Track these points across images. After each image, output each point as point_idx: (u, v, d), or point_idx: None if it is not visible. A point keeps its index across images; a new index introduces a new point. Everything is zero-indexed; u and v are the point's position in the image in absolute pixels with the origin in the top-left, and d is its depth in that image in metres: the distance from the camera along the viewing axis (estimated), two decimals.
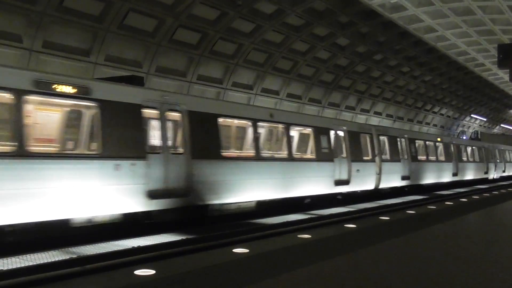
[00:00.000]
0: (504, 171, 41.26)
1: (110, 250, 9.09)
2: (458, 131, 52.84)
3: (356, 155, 19.19)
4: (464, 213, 13.99)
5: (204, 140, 12.77)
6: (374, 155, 20.64)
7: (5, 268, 7.70)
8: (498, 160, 39.66)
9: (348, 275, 6.33)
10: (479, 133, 45.34)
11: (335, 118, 24.31)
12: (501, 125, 65.25)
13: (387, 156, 21.96)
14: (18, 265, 7.94)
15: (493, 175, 37.88)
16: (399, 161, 22.69)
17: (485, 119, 58.35)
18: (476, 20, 26.86)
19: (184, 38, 20.84)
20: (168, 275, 6.15)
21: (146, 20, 18.97)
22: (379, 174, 20.63)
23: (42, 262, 8.18)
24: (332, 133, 18.28)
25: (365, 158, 20.01)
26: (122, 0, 17.38)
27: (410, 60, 33.55)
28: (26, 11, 15.74)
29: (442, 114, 49.01)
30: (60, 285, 6.09)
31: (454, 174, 29.60)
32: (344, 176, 18.31)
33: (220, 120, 13.55)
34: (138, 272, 6.08)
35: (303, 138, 18.48)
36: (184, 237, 10.59)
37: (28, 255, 8.67)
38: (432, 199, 21.26)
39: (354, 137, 19.41)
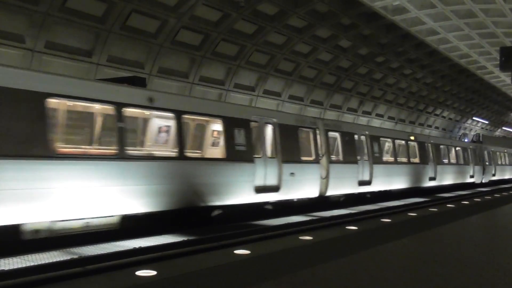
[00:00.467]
0: (494, 175, 37.41)
1: (111, 251, 9.09)
2: (460, 134, 52.79)
3: (290, 155, 15.57)
4: (466, 215, 13.97)
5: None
6: (319, 155, 17.02)
7: (7, 268, 7.70)
8: (487, 163, 35.56)
9: (350, 277, 6.32)
10: (480, 135, 45.03)
11: (262, 108, 19.60)
12: (503, 127, 65.18)
13: (339, 157, 18.39)
14: (20, 266, 7.94)
15: (480, 179, 34.00)
16: (356, 162, 18.94)
17: (487, 122, 58.29)
18: (478, 22, 26.84)
19: (186, 39, 20.87)
20: (169, 276, 6.15)
21: (148, 21, 18.99)
22: (326, 178, 17.14)
23: (43, 262, 8.17)
24: (254, 126, 14.74)
25: (304, 158, 16.44)
26: (125, 1, 17.40)
27: (412, 62, 33.55)
28: (28, 11, 15.77)
29: (444, 117, 48.98)
30: (62, 286, 6.09)
31: (432, 178, 25.91)
32: (271, 181, 14.73)
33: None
34: (139, 273, 6.08)
35: (208, 131, 14.82)
36: (185, 238, 10.59)
37: (29, 256, 8.67)
38: (433, 201, 21.22)
39: (288, 132, 15.79)
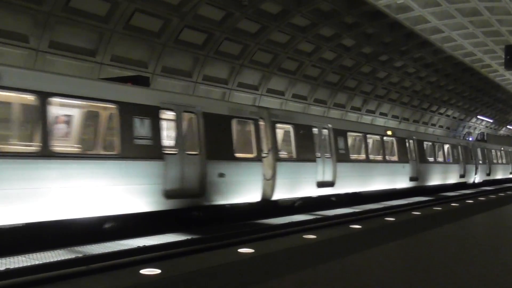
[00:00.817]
0: (489, 174, 34.54)
1: (115, 250, 9.11)
2: (464, 133, 52.65)
3: (219, 151, 12.89)
4: (470, 214, 13.93)
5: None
6: (261, 152, 14.27)
7: (12, 266, 7.73)
8: (480, 161, 32.69)
9: (354, 276, 6.31)
10: (485, 134, 44.83)
11: (179, 93, 16.66)
12: (508, 126, 64.97)
13: (292, 154, 15.90)
14: (25, 264, 7.97)
15: (473, 179, 31.17)
16: (313, 161, 16.33)
17: (491, 121, 58.12)
18: (483, 21, 26.77)
19: (189, 38, 20.87)
20: (173, 274, 6.16)
21: (152, 21, 19.01)
22: (272, 179, 14.52)
23: (48, 261, 8.20)
24: (167, 115, 12.12)
25: (240, 155, 13.72)
26: (128, 0, 17.42)
27: (416, 61, 33.47)
28: (32, 11, 15.80)
29: (448, 116, 48.86)
30: (66, 284, 6.10)
31: (413, 179, 23.00)
32: (190, 184, 11.92)
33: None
34: (143, 271, 6.09)
35: (98, 120, 12.03)
36: (189, 237, 10.60)
37: (34, 254, 8.69)
38: (438, 200, 21.19)
39: (218, 123, 13.06)
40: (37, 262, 8.09)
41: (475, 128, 56.06)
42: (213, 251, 8.03)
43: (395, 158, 22.12)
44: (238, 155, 13.60)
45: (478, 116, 53.88)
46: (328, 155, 17.15)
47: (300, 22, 23.61)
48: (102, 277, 6.37)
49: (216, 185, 12.56)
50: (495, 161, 36.57)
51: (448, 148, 28.26)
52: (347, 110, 33.91)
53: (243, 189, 13.53)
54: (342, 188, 17.71)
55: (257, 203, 14.21)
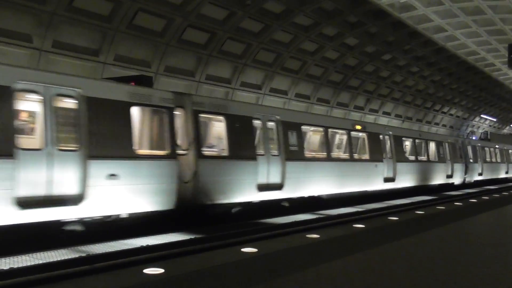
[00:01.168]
0: (481, 174, 31.70)
1: (119, 249, 9.13)
2: (468, 131, 52.54)
3: (110, 147, 10.49)
4: (473, 214, 13.90)
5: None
6: (175, 148, 11.85)
7: (16, 266, 7.75)
8: (471, 160, 30.01)
9: (357, 275, 6.31)
10: (488, 133, 44.69)
11: (48, 71, 11.95)
12: (511, 125, 64.82)
13: (224, 151, 13.27)
14: (29, 264, 7.99)
15: (462, 179, 28.36)
16: (253, 159, 13.81)
17: (495, 120, 57.99)
18: (486, 19, 26.68)
19: (192, 38, 20.89)
20: (177, 274, 6.17)
21: (155, 20, 19.03)
22: (193, 181, 12.07)
23: (52, 260, 8.22)
24: (26, 97, 9.87)
25: (142, 152, 11.48)
26: (131, 0, 17.45)
27: (419, 60, 33.40)
28: (36, 11, 15.84)
29: (451, 115, 48.77)
30: (70, 284, 6.12)
31: (388, 180, 20.34)
32: (62, 189, 9.49)
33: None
34: (147, 270, 6.11)
35: None
36: (192, 237, 10.61)
37: (38, 254, 8.72)
38: (441, 199, 21.14)
39: (109, 111, 10.54)
40: (40, 262, 8.12)
41: (479, 127, 55.94)
42: (216, 251, 8.04)
43: (365, 156, 19.37)
44: (140, 152, 11.29)
45: (482, 115, 53.75)
46: (275, 152, 14.69)
47: (303, 21, 23.59)
48: (106, 276, 6.39)
49: (104, 189, 10.15)
50: (488, 159, 34.00)
51: (432, 145, 25.46)
52: (350, 110, 33.88)
53: (146, 195, 11.03)
54: (293, 191, 15.21)
55: (170, 211, 11.59)
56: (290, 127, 15.30)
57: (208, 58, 22.27)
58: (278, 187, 14.58)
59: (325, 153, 17.24)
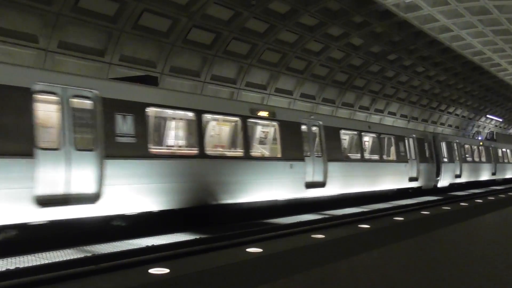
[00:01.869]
0: (459, 176, 26.49)
1: (124, 249, 9.14)
2: (474, 132, 52.34)
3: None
4: (479, 214, 13.85)
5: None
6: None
7: (21, 266, 7.78)
8: (445, 159, 24.96)
9: (362, 275, 6.29)
10: (494, 133, 44.45)
11: None
12: None
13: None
14: (34, 263, 8.02)
15: (432, 183, 23.73)
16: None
17: (501, 120, 57.75)
18: (492, 19, 26.56)
19: (198, 38, 20.91)
20: (182, 274, 6.17)
21: (160, 20, 19.06)
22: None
23: (57, 260, 8.25)
24: None
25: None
26: (137, 0, 17.48)
27: (424, 60, 33.30)
28: (42, 11, 15.91)
29: (457, 115, 48.61)
30: (75, 283, 6.14)
31: (318, 185, 15.77)
32: None
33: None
34: (152, 270, 6.11)
35: None
36: (197, 237, 10.61)
37: (43, 253, 8.75)
38: (447, 199, 21.06)
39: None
40: (46, 261, 8.15)
41: (485, 127, 55.73)
42: (221, 251, 8.04)
43: (276, 154, 14.87)
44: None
45: (488, 115, 53.53)
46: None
47: (308, 21, 23.57)
48: (111, 276, 6.40)
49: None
50: (469, 159, 28.82)
51: (388, 140, 21.08)
52: (355, 110, 33.83)
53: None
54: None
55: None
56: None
57: (214, 58, 22.29)
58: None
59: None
